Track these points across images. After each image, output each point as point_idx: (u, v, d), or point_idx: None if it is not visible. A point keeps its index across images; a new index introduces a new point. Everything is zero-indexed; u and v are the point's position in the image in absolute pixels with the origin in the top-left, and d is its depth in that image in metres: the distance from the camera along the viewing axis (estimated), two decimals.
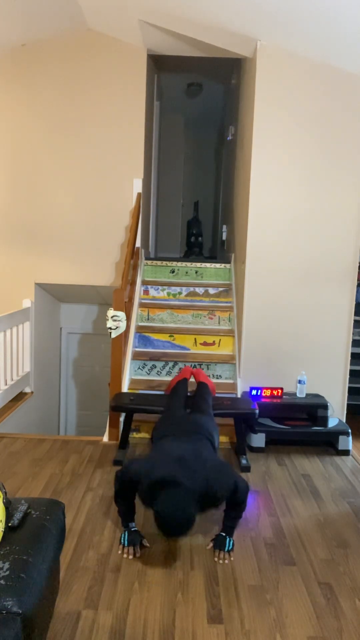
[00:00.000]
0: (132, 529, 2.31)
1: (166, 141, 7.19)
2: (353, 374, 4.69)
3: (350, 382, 4.49)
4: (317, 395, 3.77)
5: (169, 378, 3.98)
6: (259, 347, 3.94)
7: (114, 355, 3.56)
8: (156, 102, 5.50)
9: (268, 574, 2.14)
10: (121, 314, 3.49)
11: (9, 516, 1.68)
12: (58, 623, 1.82)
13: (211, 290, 4.57)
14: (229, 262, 4.79)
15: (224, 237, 5.77)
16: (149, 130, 4.91)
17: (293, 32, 3.40)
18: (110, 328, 3.49)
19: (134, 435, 3.68)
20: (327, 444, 3.68)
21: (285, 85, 3.69)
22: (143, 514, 2.58)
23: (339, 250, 3.84)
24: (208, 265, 4.75)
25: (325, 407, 3.59)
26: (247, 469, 3.17)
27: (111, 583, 2.04)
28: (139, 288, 4.51)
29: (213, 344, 4.18)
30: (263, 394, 3.68)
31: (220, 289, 4.58)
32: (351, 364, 4.59)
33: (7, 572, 1.44)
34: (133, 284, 4.31)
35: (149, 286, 4.57)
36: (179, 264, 4.75)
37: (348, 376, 4.03)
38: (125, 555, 2.22)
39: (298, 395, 3.74)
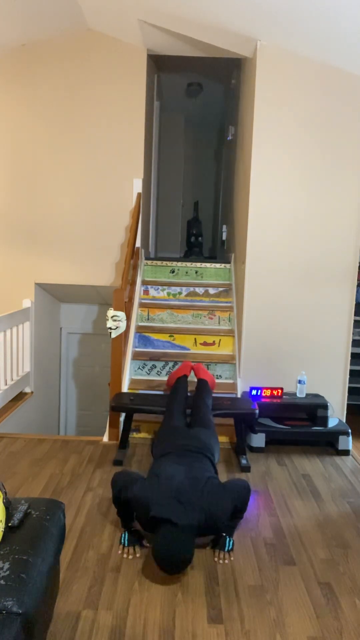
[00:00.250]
0: (132, 529, 2.31)
1: (166, 141, 7.19)
2: (353, 374, 4.69)
3: (350, 382, 4.49)
4: (317, 395, 3.77)
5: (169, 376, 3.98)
6: (259, 347, 3.94)
7: (114, 355, 3.56)
8: (156, 102, 5.50)
9: (268, 574, 2.14)
10: (121, 314, 3.49)
11: (9, 516, 1.68)
12: (58, 623, 1.82)
13: (211, 290, 4.57)
14: (229, 262, 4.79)
15: (224, 237, 5.77)
16: (149, 130, 4.91)
17: (293, 32, 3.40)
18: (110, 328, 3.49)
19: (134, 435, 3.68)
20: (327, 444, 3.68)
21: (285, 85, 3.69)
22: None
23: (339, 250, 3.84)
24: (208, 265, 4.75)
25: (325, 407, 3.59)
26: (247, 469, 3.17)
27: (111, 583, 2.04)
28: (139, 288, 4.51)
29: (213, 344, 4.18)
30: (263, 394, 3.68)
31: (220, 289, 4.58)
32: (351, 364, 4.59)
33: (7, 572, 1.44)
34: (133, 284, 4.31)
35: (149, 286, 4.56)
36: (179, 264, 4.75)
37: (348, 376, 4.03)
38: (125, 555, 2.22)
39: (298, 395, 3.74)
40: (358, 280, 4.33)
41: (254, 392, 3.68)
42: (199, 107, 6.88)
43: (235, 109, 5.09)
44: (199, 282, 4.72)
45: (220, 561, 2.21)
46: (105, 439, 3.60)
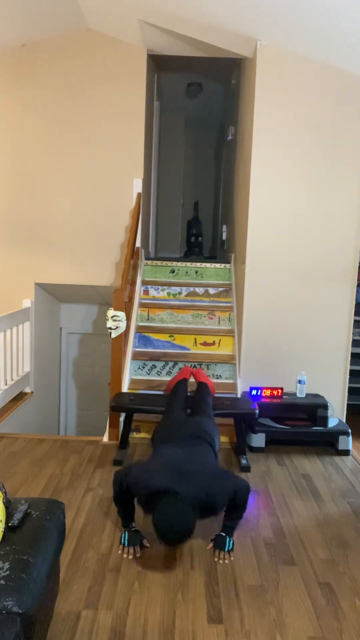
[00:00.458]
0: (132, 529, 2.31)
1: (166, 141, 7.19)
2: (353, 374, 4.69)
3: (350, 382, 4.49)
4: (317, 395, 3.77)
5: (169, 378, 3.98)
6: (259, 347, 3.94)
7: (114, 355, 3.56)
8: (156, 102, 5.50)
9: (268, 574, 2.14)
10: (121, 314, 3.49)
11: (9, 516, 1.69)
12: (58, 623, 1.82)
13: (211, 290, 4.57)
14: (229, 262, 4.79)
15: (224, 237, 5.77)
16: (149, 130, 4.91)
17: (293, 32, 3.40)
18: (110, 328, 3.49)
19: (134, 435, 3.67)
20: (327, 444, 3.68)
21: (285, 85, 3.69)
22: (143, 515, 2.58)
23: (339, 250, 3.84)
24: (208, 265, 4.75)
25: (325, 407, 3.59)
26: (247, 469, 3.17)
27: (111, 583, 2.04)
28: (139, 288, 4.51)
29: (213, 344, 4.18)
30: (263, 394, 3.68)
31: (220, 289, 4.58)
32: (351, 364, 4.59)
33: (7, 572, 1.44)
34: (133, 284, 4.31)
35: (149, 286, 4.56)
36: (179, 264, 4.75)
37: (348, 376, 4.03)
38: (125, 555, 2.22)
39: (298, 395, 3.74)
40: (358, 280, 4.33)
41: (254, 392, 3.68)
42: (199, 107, 6.88)
43: (235, 109, 5.09)
44: (199, 282, 4.72)
45: (220, 561, 2.21)
46: (105, 439, 3.60)
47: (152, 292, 4.56)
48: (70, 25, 4.20)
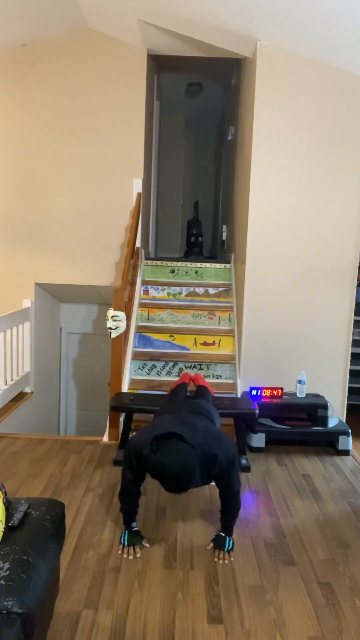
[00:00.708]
0: (133, 529, 2.31)
1: (166, 141, 7.19)
2: (353, 374, 4.69)
3: (350, 382, 4.49)
4: (317, 395, 3.77)
5: (169, 378, 3.99)
6: (259, 347, 3.94)
7: (114, 355, 3.56)
8: (156, 102, 5.50)
9: (268, 574, 2.14)
10: (121, 314, 3.49)
11: (9, 516, 1.68)
12: (58, 623, 1.82)
13: (211, 290, 4.57)
14: (229, 262, 4.79)
15: (224, 237, 5.77)
16: (149, 130, 4.91)
17: (293, 32, 3.40)
18: (110, 328, 3.49)
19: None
20: (327, 444, 3.68)
21: (285, 85, 3.69)
22: (143, 514, 2.58)
23: (339, 250, 3.84)
24: (208, 265, 4.75)
25: (325, 407, 3.59)
26: (247, 469, 3.17)
27: (111, 583, 2.04)
28: (139, 288, 4.51)
29: (213, 344, 4.18)
30: (263, 394, 3.68)
31: (220, 289, 4.58)
32: (351, 364, 4.59)
33: (7, 572, 1.44)
34: (133, 284, 4.31)
35: (149, 286, 4.56)
36: (179, 264, 4.75)
37: (348, 376, 4.03)
38: (125, 555, 2.22)
39: (298, 395, 3.74)
40: (358, 280, 4.33)
41: (254, 392, 3.68)
42: (199, 107, 6.88)
43: (235, 109, 5.09)
44: (199, 282, 4.72)
45: (220, 561, 2.21)
46: (105, 439, 3.60)
47: (152, 292, 4.56)
48: (70, 25, 4.20)
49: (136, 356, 4.00)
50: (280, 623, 1.85)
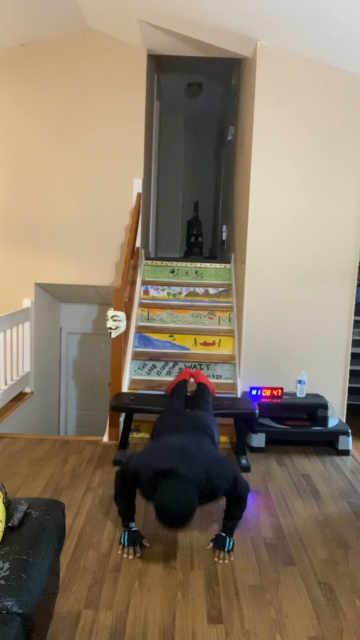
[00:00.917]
0: (132, 529, 2.31)
1: (166, 141, 7.19)
2: (353, 374, 4.69)
3: (350, 382, 4.49)
4: (317, 395, 3.77)
5: (169, 378, 3.98)
6: (259, 347, 3.94)
7: (114, 355, 3.56)
8: (156, 102, 5.50)
9: (268, 574, 2.14)
10: (121, 314, 3.49)
11: (9, 516, 1.68)
12: (58, 623, 1.82)
13: (211, 290, 4.57)
14: (229, 262, 4.79)
15: (224, 237, 5.77)
16: (149, 130, 4.91)
17: (293, 32, 3.40)
18: (110, 328, 3.49)
19: (134, 435, 3.68)
20: (327, 444, 3.68)
21: (285, 85, 3.69)
22: (143, 514, 2.58)
23: (339, 250, 3.84)
24: (208, 265, 4.75)
25: (325, 407, 3.59)
26: (247, 469, 3.17)
27: (111, 583, 2.04)
28: (139, 288, 4.51)
29: (213, 344, 4.18)
30: (263, 394, 3.68)
31: (220, 289, 4.58)
32: (351, 364, 4.59)
33: (7, 572, 1.44)
34: (133, 284, 4.31)
35: (149, 286, 4.57)
36: (179, 264, 4.75)
37: (348, 376, 4.03)
38: (125, 555, 2.22)
39: (298, 395, 3.74)
40: (358, 280, 4.33)
41: (254, 392, 3.68)
42: (199, 107, 6.88)
43: (235, 109, 5.09)
44: (199, 282, 4.72)
45: (220, 561, 2.21)
46: (105, 439, 3.60)
47: (152, 292, 4.56)
48: (70, 25, 4.20)
49: (136, 356, 4.00)
50: (280, 623, 1.85)
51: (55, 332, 5.45)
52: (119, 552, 2.25)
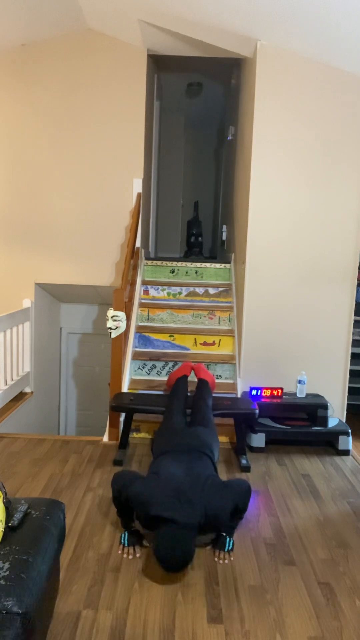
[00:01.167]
0: (132, 529, 2.31)
1: (166, 141, 7.19)
2: (353, 374, 4.69)
3: (350, 382, 4.49)
4: (317, 395, 3.77)
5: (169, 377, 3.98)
6: (259, 347, 3.94)
7: (114, 355, 3.56)
8: (156, 102, 5.50)
9: (268, 574, 2.14)
10: (121, 314, 3.49)
11: (9, 516, 1.68)
12: (58, 623, 1.82)
13: (211, 290, 4.57)
14: (229, 262, 4.79)
15: (224, 237, 5.77)
16: (149, 130, 4.91)
17: (293, 32, 3.40)
18: (110, 328, 3.49)
19: (134, 435, 3.68)
20: (327, 444, 3.68)
21: (285, 86, 3.69)
22: None
23: (339, 250, 3.84)
24: (208, 265, 4.75)
25: (325, 407, 3.59)
26: (247, 469, 3.17)
27: (111, 583, 2.04)
28: (139, 288, 4.51)
29: (213, 344, 4.18)
30: (263, 394, 3.68)
31: (220, 289, 4.58)
32: (351, 364, 4.59)
33: (7, 572, 1.44)
34: (133, 284, 4.31)
35: (149, 286, 4.57)
36: (179, 264, 4.75)
37: (348, 376, 4.03)
38: (125, 555, 2.22)
39: (298, 395, 3.74)
40: (358, 280, 4.33)
41: (254, 392, 3.68)
42: (199, 107, 6.87)
43: (235, 109, 5.09)
44: (199, 282, 4.72)
45: (220, 561, 2.21)
46: (105, 439, 3.60)
47: (152, 292, 4.56)
48: (70, 25, 4.20)
49: (136, 356, 4.00)
50: (280, 623, 1.85)
51: (55, 332, 5.45)
52: (119, 552, 2.25)
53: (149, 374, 4.02)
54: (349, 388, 4.64)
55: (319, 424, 3.55)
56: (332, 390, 3.95)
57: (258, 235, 3.84)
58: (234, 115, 5.20)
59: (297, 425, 3.55)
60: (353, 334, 4.65)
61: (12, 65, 4.38)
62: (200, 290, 4.56)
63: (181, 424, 2.90)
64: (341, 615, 1.90)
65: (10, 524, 1.64)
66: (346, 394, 3.96)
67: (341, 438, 3.51)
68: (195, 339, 4.18)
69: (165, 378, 3.99)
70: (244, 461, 3.24)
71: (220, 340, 4.18)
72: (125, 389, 3.76)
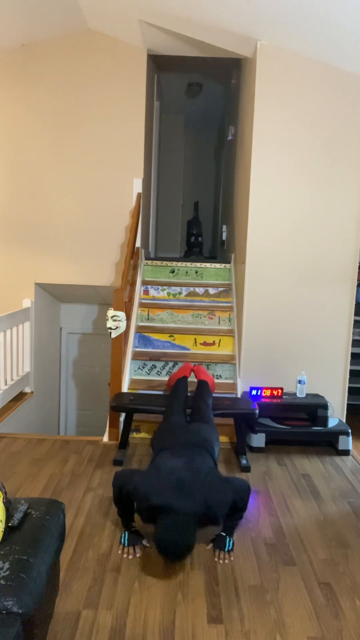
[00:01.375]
0: (132, 529, 2.31)
1: (166, 141, 7.19)
2: (353, 374, 4.69)
3: (350, 382, 4.49)
4: (317, 395, 3.77)
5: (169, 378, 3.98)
6: (259, 347, 3.94)
7: (114, 355, 3.56)
8: (156, 102, 5.50)
9: (268, 574, 2.14)
10: (121, 314, 3.49)
11: (9, 516, 1.68)
12: (58, 623, 1.82)
13: (211, 290, 4.57)
14: (229, 262, 4.79)
15: (224, 237, 5.77)
16: (149, 130, 4.91)
17: (293, 32, 3.40)
18: (110, 328, 3.49)
19: (134, 435, 3.67)
20: (327, 444, 3.68)
21: (285, 86, 3.69)
22: None
23: (339, 250, 3.84)
24: (208, 265, 4.75)
25: (325, 407, 3.59)
26: (247, 469, 3.17)
27: (111, 583, 2.04)
28: (139, 288, 4.51)
29: (213, 344, 4.18)
30: (263, 394, 3.68)
31: (220, 289, 4.58)
32: (351, 364, 4.59)
33: (7, 572, 1.44)
34: (133, 284, 4.31)
35: (149, 286, 4.57)
36: (179, 264, 4.75)
37: (348, 376, 4.03)
38: (125, 555, 2.22)
39: (298, 395, 3.74)
40: (358, 280, 4.33)
41: (254, 392, 3.68)
42: (199, 107, 6.87)
43: (235, 109, 5.09)
44: (199, 282, 4.72)
45: (220, 561, 2.21)
46: (105, 439, 3.60)
47: (152, 292, 4.56)
48: (70, 25, 4.20)
49: (136, 356, 4.00)
50: (280, 623, 1.85)
51: (55, 332, 5.45)
52: (119, 552, 2.25)
53: (149, 374, 4.02)
54: (349, 388, 4.64)
55: (319, 424, 3.55)
56: (332, 390, 3.95)
57: (258, 235, 3.84)
58: (233, 115, 5.20)
59: (297, 425, 3.55)
60: (353, 334, 4.65)
61: (12, 65, 4.38)
62: (200, 290, 4.56)
63: (181, 422, 2.90)
64: (341, 615, 1.90)
65: (10, 524, 1.64)
66: (346, 394, 3.96)
67: (341, 438, 3.51)
68: (195, 339, 4.18)
69: (165, 378, 3.99)
70: (244, 461, 3.24)
71: (220, 340, 4.18)
72: (125, 389, 3.76)
